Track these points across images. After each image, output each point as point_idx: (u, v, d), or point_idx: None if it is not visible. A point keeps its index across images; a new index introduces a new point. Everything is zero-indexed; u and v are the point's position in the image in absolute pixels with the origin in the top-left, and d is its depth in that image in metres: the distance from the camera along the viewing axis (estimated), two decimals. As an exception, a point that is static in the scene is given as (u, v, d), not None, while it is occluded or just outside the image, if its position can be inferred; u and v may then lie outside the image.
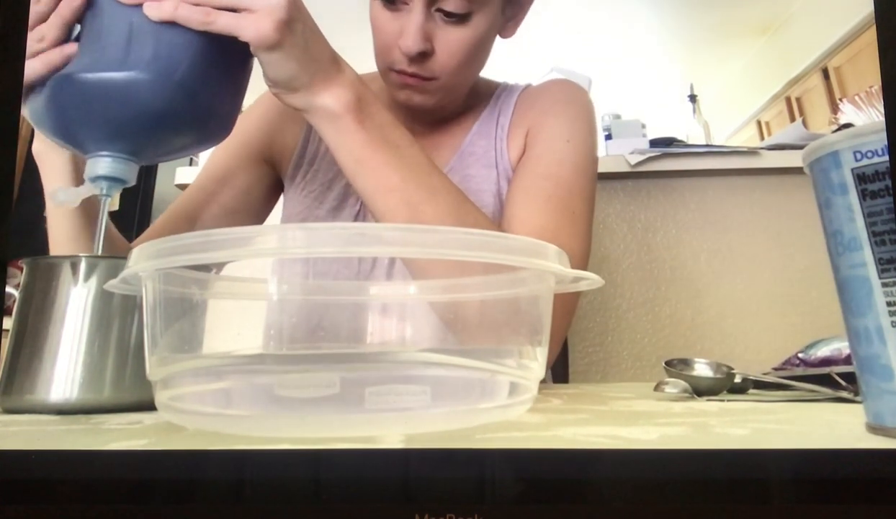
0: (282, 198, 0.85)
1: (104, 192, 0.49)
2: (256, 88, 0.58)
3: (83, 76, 0.46)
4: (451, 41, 0.67)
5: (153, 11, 0.47)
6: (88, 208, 0.61)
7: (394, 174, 0.55)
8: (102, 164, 0.48)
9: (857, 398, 0.37)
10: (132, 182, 0.50)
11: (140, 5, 0.47)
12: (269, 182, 0.82)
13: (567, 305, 0.69)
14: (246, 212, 0.80)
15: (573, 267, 0.64)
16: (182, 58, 0.47)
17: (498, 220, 0.72)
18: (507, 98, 0.81)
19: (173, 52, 0.47)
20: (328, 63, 0.53)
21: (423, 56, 0.66)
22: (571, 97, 0.79)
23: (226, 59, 0.50)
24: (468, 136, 0.78)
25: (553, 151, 0.72)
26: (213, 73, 0.49)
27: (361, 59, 0.70)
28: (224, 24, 0.47)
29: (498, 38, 0.75)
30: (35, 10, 0.49)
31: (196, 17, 0.47)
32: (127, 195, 2.59)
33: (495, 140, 0.77)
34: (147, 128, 0.48)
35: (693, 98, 2.32)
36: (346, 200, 0.76)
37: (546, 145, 0.73)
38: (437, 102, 0.72)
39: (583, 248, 0.70)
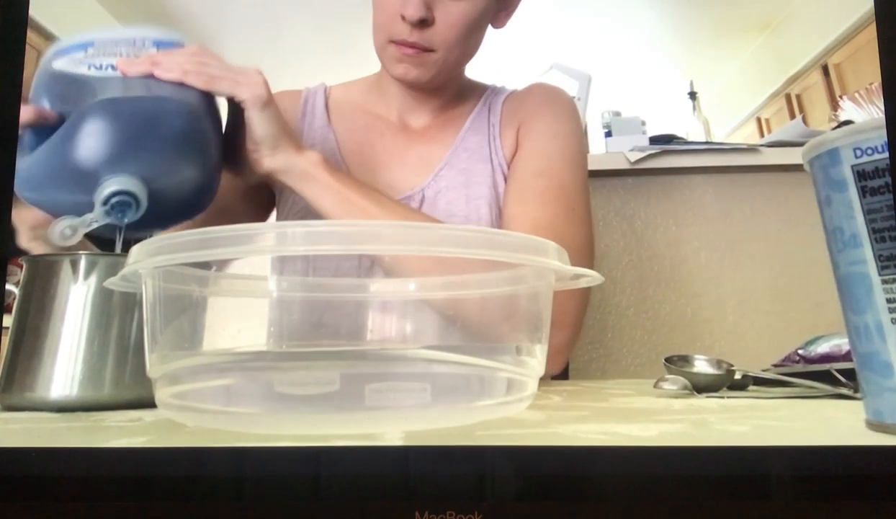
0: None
1: (118, 215, 0.48)
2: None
3: (116, 99, 0.51)
4: (450, 13, 0.71)
5: (165, 73, 0.54)
6: None
7: (373, 208, 0.62)
8: (115, 180, 0.48)
9: (857, 395, 0.37)
10: (143, 205, 0.49)
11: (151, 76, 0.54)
12: (255, 186, 0.81)
13: (581, 290, 0.71)
14: (232, 214, 0.80)
15: (578, 255, 0.64)
16: (192, 97, 0.55)
17: (491, 212, 0.76)
18: (495, 99, 0.84)
19: (186, 93, 0.54)
20: (294, 134, 0.62)
21: (424, 24, 0.70)
22: (554, 97, 0.84)
23: (217, 121, 0.58)
24: (461, 133, 0.81)
25: (542, 148, 0.77)
26: (210, 122, 0.56)
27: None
28: (225, 85, 0.56)
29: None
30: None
31: (201, 80, 0.55)
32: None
33: (489, 137, 0.80)
34: (167, 146, 0.52)
35: (693, 95, 2.31)
36: None
37: (535, 144, 0.78)
38: (432, 78, 0.75)
39: (584, 237, 0.74)
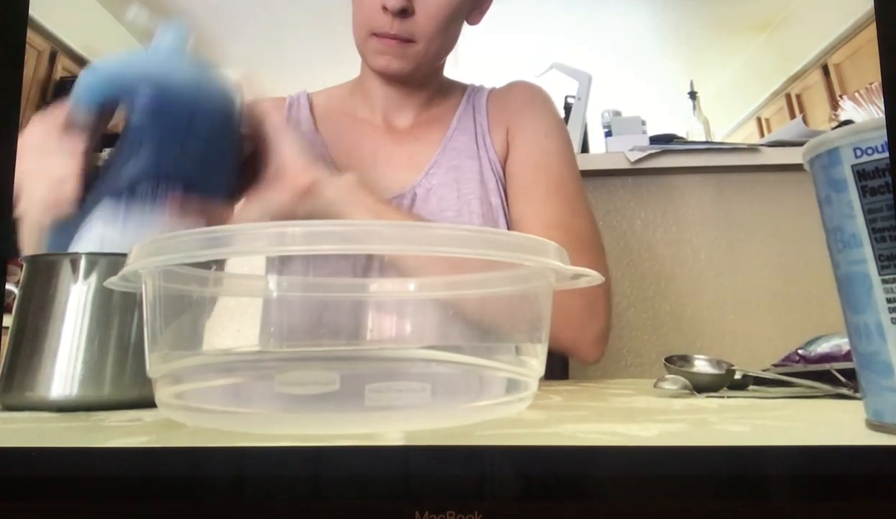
0: None
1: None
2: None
3: None
4: (429, 5, 0.73)
5: None
6: None
7: (395, 214, 0.69)
8: None
9: (857, 395, 0.37)
10: (188, 38, 0.55)
11: None
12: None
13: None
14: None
15: (589, 244, 0.72)
16: None
17: (482, 206, 0.79)
18: (478, 98, 0.87)
19: None
20: None
21: (404, 14, 0.73)
22: (535, 96, 0.87)
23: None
24: (449, 132, 0.84)
25: (536, 148, 0.81)
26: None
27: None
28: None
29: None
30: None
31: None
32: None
33: (476, 136, 0.83)
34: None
35: (693, 95, 2.31)
36: None
37: (529, 144, 0.82)
38: (414, 70, 0.77)
39: (590, 227, 0.78)
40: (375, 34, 0.75)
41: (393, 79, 0.81)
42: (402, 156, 0.82)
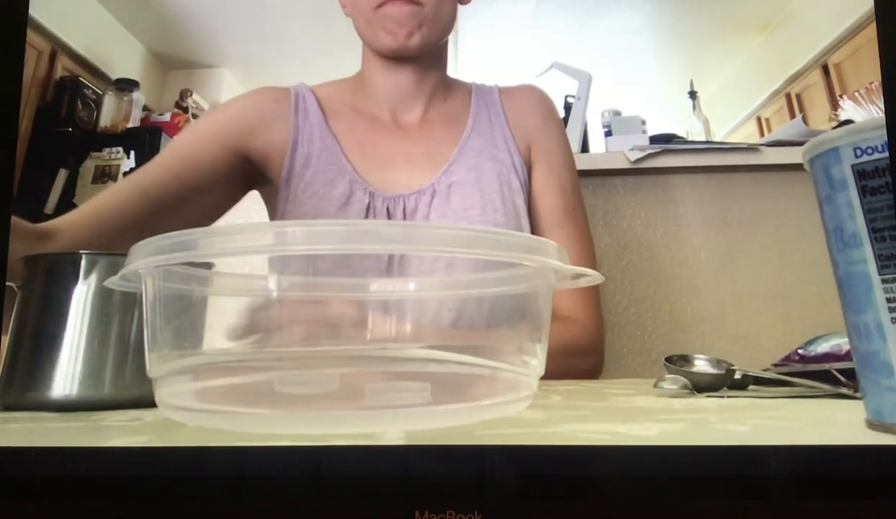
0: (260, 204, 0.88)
1: None
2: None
3: None
4: None
5: None
6: None
7: None
8: None
9: (857, 395, 0.37)
10: None
11: None
12: (234, 171, 0.82)
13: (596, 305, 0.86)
14: (204, 192, 0.79)
15: (589, 257, 0.76)
16: None
17: (505, 203, 0.81)
18: (488, 97, 0.89)
19: None
20: None
21: None
22: (552, 113, 0.91)
23: None
24: (466, 132, 0.84)
25: (561, 182, 0.86)
26: None
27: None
28: None
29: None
30: None
31: None
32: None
33: (494, 138, 0.85)
34: None
35: (693, 94, 2.31)
36: (353, 195, 0.78)
37: (554, 176, 0.86)
38: (421, 40, 0.79)
39: (594, 261, 0.86)
40: (381, 5, 0.77)
41: (403, 56, 0.82)
42: (418, 153, 0.81)
